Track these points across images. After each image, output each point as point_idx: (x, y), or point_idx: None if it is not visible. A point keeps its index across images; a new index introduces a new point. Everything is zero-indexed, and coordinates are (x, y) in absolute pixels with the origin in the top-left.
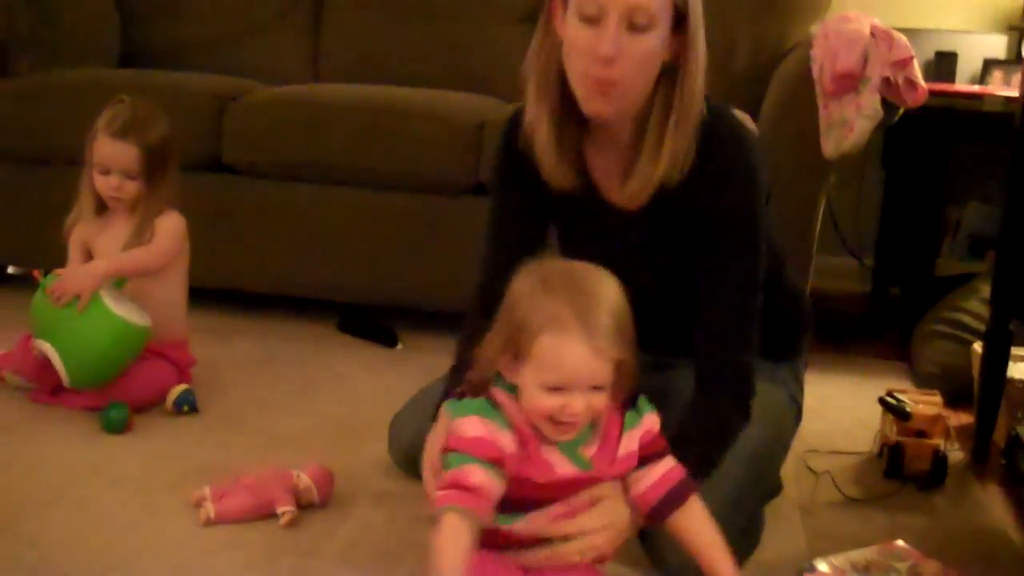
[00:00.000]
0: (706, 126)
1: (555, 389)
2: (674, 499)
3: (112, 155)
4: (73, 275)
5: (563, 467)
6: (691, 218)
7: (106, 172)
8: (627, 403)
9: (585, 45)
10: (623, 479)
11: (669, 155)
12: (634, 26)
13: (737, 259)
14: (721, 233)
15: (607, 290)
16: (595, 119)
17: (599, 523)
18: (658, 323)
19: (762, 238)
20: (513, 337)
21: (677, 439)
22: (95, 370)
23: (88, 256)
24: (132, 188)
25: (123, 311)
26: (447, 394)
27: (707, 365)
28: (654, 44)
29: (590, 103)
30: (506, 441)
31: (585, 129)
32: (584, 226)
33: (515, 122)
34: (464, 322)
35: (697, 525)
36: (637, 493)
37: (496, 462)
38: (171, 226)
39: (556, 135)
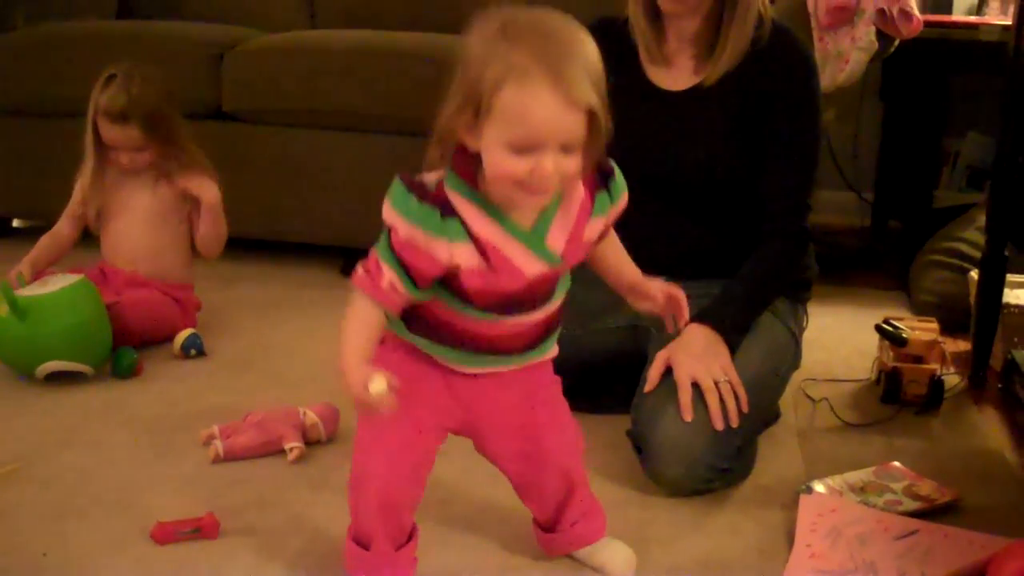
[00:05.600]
0: (773, 25)
1: (523, 150)
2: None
3: (116, 138)
4: (202, 183)
5: (532, 267)
6: (754, 98)
7: (116, 150)
8: (600, 180)
9: None
10: None
11: (738, 47)
12: None
13: (801, 132)
14: (786, 108)
15: (577, 37)
16: (668, 14)
17: None
18: (680, 239)
19: (819, 119)
20: (471, 93)
21: (721, 297)
22: (93, 336)
23: (104, 211)
24: (144, 158)
25: (43, 289)
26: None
27: (765, 229)
28: None
29: (666, 2)
30: (462, 255)
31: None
32: (637, 115)
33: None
34: None
35: (613, 247)
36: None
37: (417, 279)
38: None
39: (652, 26)
